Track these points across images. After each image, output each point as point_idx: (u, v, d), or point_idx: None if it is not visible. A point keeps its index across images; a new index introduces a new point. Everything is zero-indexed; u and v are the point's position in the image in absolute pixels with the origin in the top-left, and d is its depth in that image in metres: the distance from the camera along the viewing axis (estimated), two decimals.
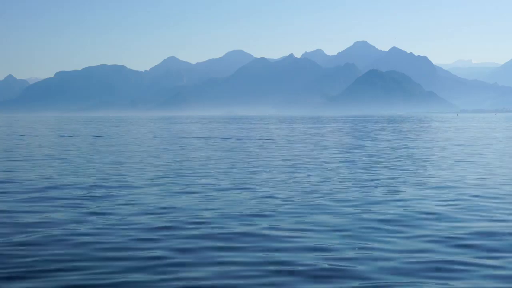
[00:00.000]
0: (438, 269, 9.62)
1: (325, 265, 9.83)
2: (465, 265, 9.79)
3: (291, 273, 9.49)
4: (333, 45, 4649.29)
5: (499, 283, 8.90)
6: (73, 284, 9.07)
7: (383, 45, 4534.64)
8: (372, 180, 21.24)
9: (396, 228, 12.67)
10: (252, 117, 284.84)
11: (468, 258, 10.22)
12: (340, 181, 20.92)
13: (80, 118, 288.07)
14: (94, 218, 13.97)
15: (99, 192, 18.34)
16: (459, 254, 10.44)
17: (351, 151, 38.22)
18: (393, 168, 25.58)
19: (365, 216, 14.03)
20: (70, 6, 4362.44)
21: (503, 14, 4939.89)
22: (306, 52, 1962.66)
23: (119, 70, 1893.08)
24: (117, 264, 10.08)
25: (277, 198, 17.02)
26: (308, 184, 20.31)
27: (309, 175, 22.97)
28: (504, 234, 12.00)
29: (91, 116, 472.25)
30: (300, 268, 9.73)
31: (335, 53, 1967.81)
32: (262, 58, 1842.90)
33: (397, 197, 17.00)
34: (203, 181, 21.18)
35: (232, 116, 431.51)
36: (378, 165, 26.99)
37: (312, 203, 16.03)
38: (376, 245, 11.12)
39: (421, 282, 8.90)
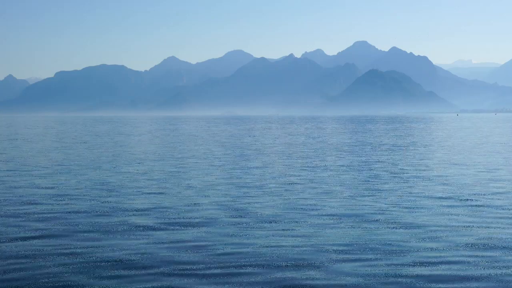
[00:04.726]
0: None
1: None
2: None
3: None
4: (333, 45, 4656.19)
5: None
6: None
7: (383, 45, 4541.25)
8: None
9: None
10: (257, 117, 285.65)
11: None
12: None
13: (89, 118, 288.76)
14: None
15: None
16: None
17: None
18: None
19: None
20: (70, 6, 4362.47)
21: (503, 14, 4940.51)
22: (306, 52, 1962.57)
23: (119, 70, 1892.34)
24: None
25: None
26: None
27: None
28: None
29: (95, 116, 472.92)
30: None
31: (335, 53, 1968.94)
32: (262, 58, 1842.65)
33: None
34: None
35: (234, 116, 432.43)
36: None
37: None
38: None
39: None
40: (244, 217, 15.95)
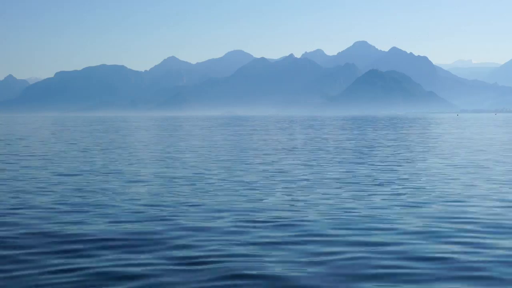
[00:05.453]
0: None
1: None
2: None
3: None
4: (333, 45, 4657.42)
5: None
6: None
7: (383, 45, 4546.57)
8: None
9: None
10: (259, 117, 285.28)
11: None
12: None
13: (90, 118, 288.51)
14: None
15: None
16: None
17: None
18: None
19: None
20: (70, 6, 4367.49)
21: (503, 14, 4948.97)
22: (306, 52, 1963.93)
23: (119, 70, 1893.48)
24: None
25: None
26: None
27: None
28: None
29: (95, 116, 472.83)
30: None
31: (335, 53, 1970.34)
32: (262, 58, 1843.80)
33: None
34: None
35: (235, 116, 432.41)
36: None
37: None
38: None
39: None
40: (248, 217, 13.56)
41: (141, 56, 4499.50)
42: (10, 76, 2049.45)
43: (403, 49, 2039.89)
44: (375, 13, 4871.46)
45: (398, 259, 9.62)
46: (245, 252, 10.09)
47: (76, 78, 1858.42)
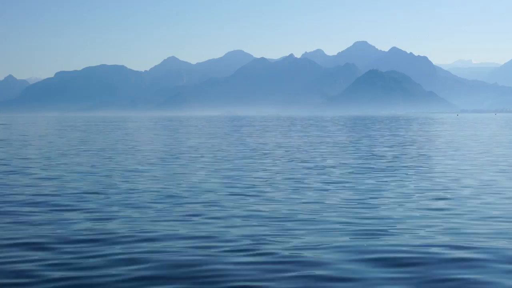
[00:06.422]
0: None
1: None
2: None
3: None
4: (333, 45, 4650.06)
5: None
6: None
7: (383, 45, 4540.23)
8: None
9: None
10: (264, 117, 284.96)
11: None
12: None
13: (91, 118, 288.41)
14: None
15: None
16: None
17: None
18: None
19: None
20: (70, 6, 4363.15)
21: (503, 14, 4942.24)
22: (306, 52, 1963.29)
23: (119, 70, 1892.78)
24: None
25: None
26: None
27: None
28: None
29: (95, 116, 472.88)
30: None
31: (335, 53, 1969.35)
32: (262, 58, 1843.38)
33: None
34: None
35: (235, 116, 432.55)
36: None
37: None
38: None
39: None
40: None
41: (141, 56, 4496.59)
42: (10, 76, 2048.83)
43: (403, 49, 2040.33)
44: (375, 13, 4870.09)
45: None
46: None
47: (76, 78, 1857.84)
